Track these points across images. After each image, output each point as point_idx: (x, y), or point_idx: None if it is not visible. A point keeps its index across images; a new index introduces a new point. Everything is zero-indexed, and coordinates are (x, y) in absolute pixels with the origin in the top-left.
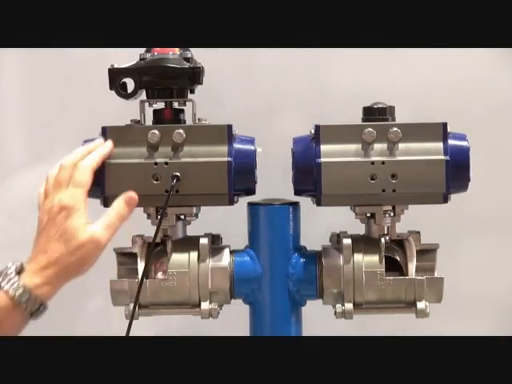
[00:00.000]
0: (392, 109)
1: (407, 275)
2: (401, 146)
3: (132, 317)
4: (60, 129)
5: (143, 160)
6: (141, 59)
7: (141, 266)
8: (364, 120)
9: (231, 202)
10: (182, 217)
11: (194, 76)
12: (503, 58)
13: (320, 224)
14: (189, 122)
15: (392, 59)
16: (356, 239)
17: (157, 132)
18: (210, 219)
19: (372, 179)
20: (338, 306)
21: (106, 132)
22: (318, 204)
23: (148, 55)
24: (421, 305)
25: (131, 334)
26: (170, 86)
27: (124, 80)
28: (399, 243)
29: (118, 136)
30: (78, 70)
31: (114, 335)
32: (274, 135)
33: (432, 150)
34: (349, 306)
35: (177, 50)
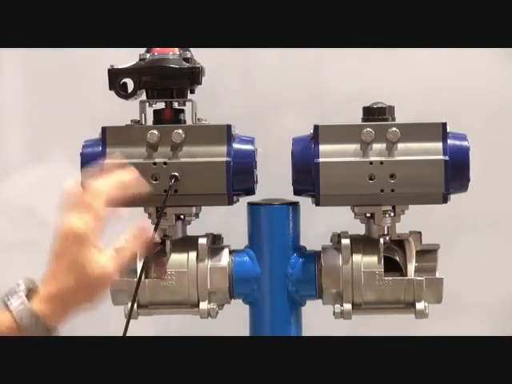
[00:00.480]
0: (392, 109)
1: (407, 276)
2: (400, 145)
3: (130, 316)
4: (60, 129)
5: (142, 160)
6: (140, 59)
7: (139, 265)
8: (364, 120)
9: (230, 202)
10: (182, 217)
11: (193, 76)
12: (503, 57)
13: (320, 224)
14: (189, 122)
15: (392, 59)
16: (355, 239)
17: (156, 132)
18: (210, 219)
19: (370, 179)
20: (337, 306)
21: (105, 132)
22: (317, 204)
23: (148, 55)
24: (420, 305)
25: (131, 334)
26: (169, 86)
27: (124, 80)
28: (400, 244)
29: (117, 136)
30: (78, 70)
31: (114, 335)
32: (274, 135)
33: (431, 150)
34: (347, 306)
35: (176, 51)
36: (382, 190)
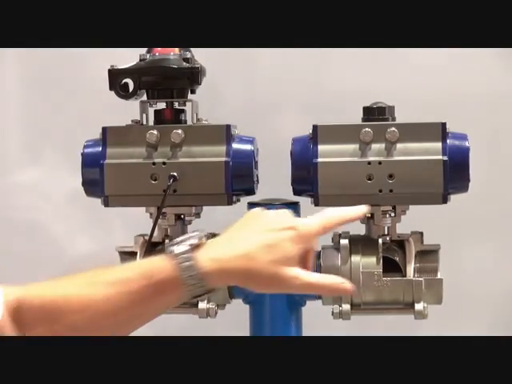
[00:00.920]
0: (392, 109)
1: (406, 276)
2: (399, 145)
3: None
4: (60, 129)
5: (142, 160)
6: (141, 60)
7: None
8: (364, 120)
9: (230, 202)
10: (182, 216)
11: (192, 76)
12: (503, 58)
13: None
14: (190, 122)
15: (392, 59)
16: (355, 239)
17: (155, 132)
18: (210, 219)
19: (369, 179)
20: (335, 306)
21: (106, 132)
22: (316, 204)
23: (148, 56)
24: (419, 306)
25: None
26: (168, 86)
27: (125, 81)
28: (400, 244)
29: (117, 136)
30: (79, 70)
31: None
32: (275, 135)
33: (430, 150)
34: (346, 306)
35: (177, 51)
36: (380, 191)
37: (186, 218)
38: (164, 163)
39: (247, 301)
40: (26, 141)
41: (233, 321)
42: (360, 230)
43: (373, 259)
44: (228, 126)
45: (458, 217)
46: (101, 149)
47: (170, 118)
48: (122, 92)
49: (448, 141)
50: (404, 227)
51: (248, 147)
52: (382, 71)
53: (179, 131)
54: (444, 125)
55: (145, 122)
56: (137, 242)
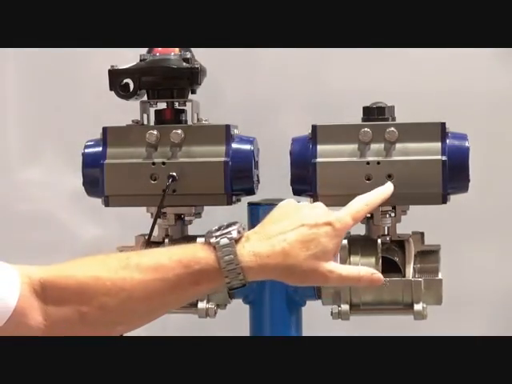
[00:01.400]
0: (391, 108)
1: (405, 277)
2: (398, 146)
3: None
4: (60, 129)
5: (141, 160)
6: (141, 60)
7: None
8: (364, 120)
9: (229, 202)
10: (182, 216)
11: (192, 76)
12: (503, 58)
13: None
14: (190, 122)
15: (392, 59)
16: (355, 240)
17: (155, 132)
18: (210, 219)
19: (368, 179)
20: (334, 307)
21: (106, 132)
22: None
23: (148, 56)
24: (418, 307)
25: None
26: (168, 86)
27: (126, 81)
28: (401, 244)
29: (118, 136)
30: (79, 70)
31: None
32: (275, 135)
33: (430, 150)
34: (345, 307)
35: (177, 51)
36: None
37: (186, 218)
38: (164, 163)
39: (247, 301)
40: (26, 141)
41: (233, 321)
42: (360, 230)
43: (372, 259)
44: (228, 126)
45: (458, 217)
46: (101, 149)
47: (170, 118)
48: (123, 92)
49: (448, 141)
50: (405, 227)
51: (248, 147)
52: (382, 71)
53: (179, 131)
54: (443, 125)
55: (145, 122)
56: (137, 242)
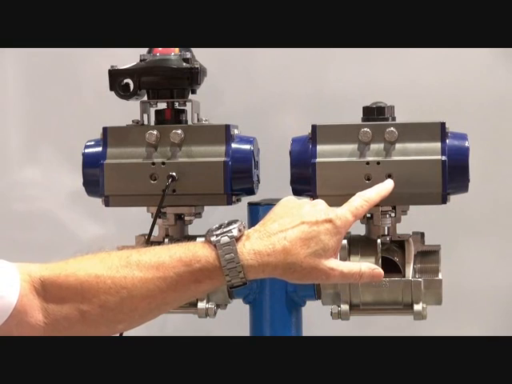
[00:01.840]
0: (391, 108)
1: (405, 277)
2: (398, 146)
3: None
4: (60, 129)
5: (141, 160)
6: (141, 60)
7: None
8: (364, 120)
9: (229, 202)
10: (182, 216)
11: (192, 76)
12: (503, 58)
13: None
14: (191, 122)
15: (392, 59)
16: (354, 240)
17: (154, 132)
18: (211, 219)
19: (368, 179)
20: (334, 307)
21: (106, 132)
22: None
23: (148, 56)
24: (418, 307)
25: (131, 335)
26: (168, 86)
27: (126, 81)
28: (401, 244)
29: (118, 136)
30: (80, 70)
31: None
32: (275, 135)
33: (429, 150)
34: (345, 307)
35: (177, 51)
36: None
37: (186, 218)
38: (163, 163)
39: (247, 301)
40: (27, 141)
41: (233, 321)
42: (360, 230)
43: (372, 260)
44: (227, 126)
45: (458, 217)
46: (101, 149)
47: (170, 118)
48: (123, 92)
49: (448, 141)
50: (405, 227)
51: (247, 147)
52: (382, 71)
53: (179, 131)
54: (443, 125)
55: (145, 122)
56: (137, 242)
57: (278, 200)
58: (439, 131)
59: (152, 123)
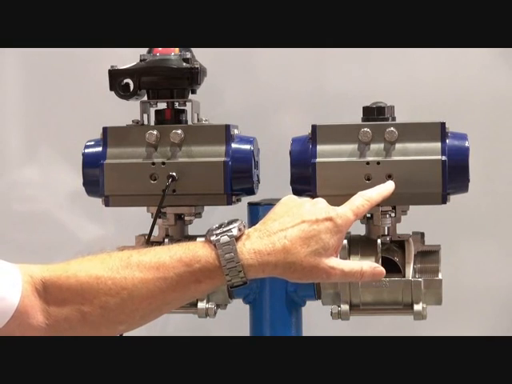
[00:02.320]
0: (391, 108)
1: (405, 277)
2: (398, 146)
3: None
4: (60, 129)
5: (141, 160)
6: (141, 60)
7: None
8: (363, 120)
9: (229, 202)
10: (182, 216)
11: (192, 76)
12: (503, 58)
13: None
14: (191, 122)
15: (392, 59)
16: (354, 240)
17: (154, 132)
18: (211, 219)
19: (368, 179)
20: (334, 307)
21: (106, 132)
22: None
23: (148, 56)
24: (418, 307)
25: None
26: (168, 86)
27: (126, 81)
28: (401, 244)
29: (118, 136)
30: (80, 70)
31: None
32: (275, 135)
33: (429, 150)
34: (345, 307)
35: (177, 51)
36: None
37: (186, 218)
38: (163, 163)
39: (247, 301)
40: (27, 140)
41: (233, 321)
42: (360, 230)
43: (371, 260)
44: (227, 126)
45: (458, 217)
46: (101, 149)
47: (170, 118)
48: (123, 92)
49: (448, 141)
50: (405, 227)
51: (247, 147)
52: (381, 71)
53: (178, 131)
54: (443, 125)
55: (145, 122)
56: (137, 242)
57: (277, 200)
58: (439, 131)
59: (152, 123)
